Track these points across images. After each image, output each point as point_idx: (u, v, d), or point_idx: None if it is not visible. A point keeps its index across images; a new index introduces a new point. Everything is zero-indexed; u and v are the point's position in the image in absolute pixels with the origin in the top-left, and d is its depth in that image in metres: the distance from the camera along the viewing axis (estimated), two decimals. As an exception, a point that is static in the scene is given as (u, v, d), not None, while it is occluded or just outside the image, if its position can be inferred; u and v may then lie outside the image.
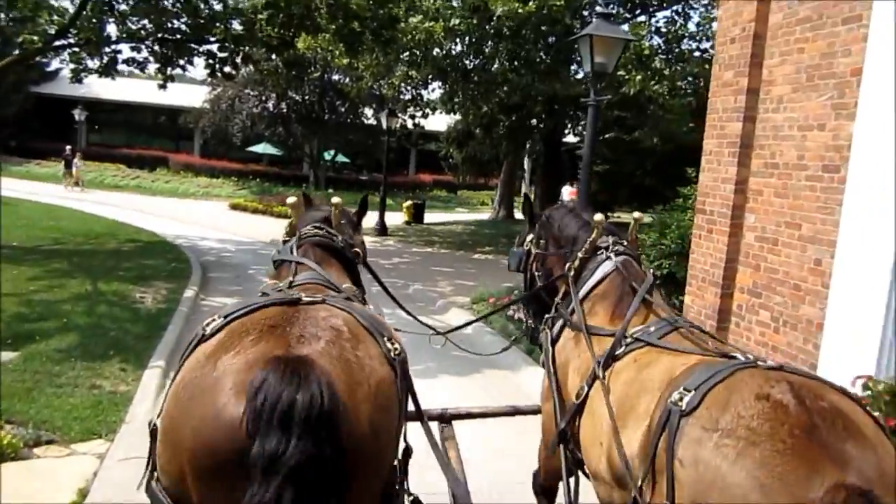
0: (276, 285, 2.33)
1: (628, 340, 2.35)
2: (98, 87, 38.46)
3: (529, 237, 3.35)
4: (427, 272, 13.40)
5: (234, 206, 25.15)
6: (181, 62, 13.60)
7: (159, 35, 12.57)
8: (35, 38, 12.08)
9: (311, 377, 1.63)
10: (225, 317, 1.94)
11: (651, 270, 2.82)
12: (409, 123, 20.22)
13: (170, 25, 11.75)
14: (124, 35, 11.70)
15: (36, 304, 7.78)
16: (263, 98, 31.40)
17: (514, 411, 3.65)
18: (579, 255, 2.90)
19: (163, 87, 14.12)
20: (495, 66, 18.18)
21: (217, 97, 31.66)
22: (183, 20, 11.63)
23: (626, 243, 2.91)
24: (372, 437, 1.76)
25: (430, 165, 40.65)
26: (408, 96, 19.99)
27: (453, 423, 3.32)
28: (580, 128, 20.14)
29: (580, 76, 17.10)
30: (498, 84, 17.10)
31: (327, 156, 35.73)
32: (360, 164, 40.87)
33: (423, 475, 2.61)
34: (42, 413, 4.92)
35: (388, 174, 21.44)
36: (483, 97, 18.07)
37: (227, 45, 12.10)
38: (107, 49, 12.02)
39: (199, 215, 22.42)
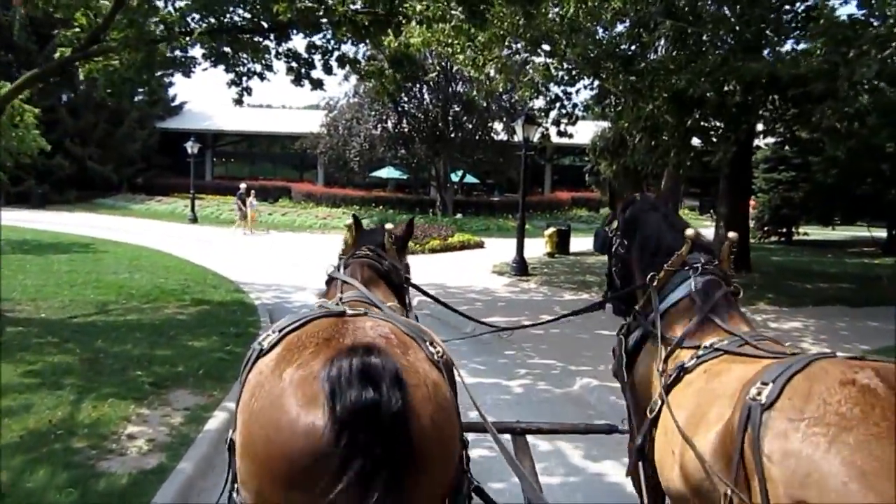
0: (324, 303, 2.51)
1: (700, 352, 2.29)
2: (221, 120, 37.69)
3: (615, 224, 3.23)
4: (591, 345, 8.89)
5: (349, 241, 22.10)
6: (255, 67, 10.51)
7: (219, 26, 9.43)
8: (66, 47, 9.35)
9: (383, 375, 1.71)
10: (279, 331, 2.04)
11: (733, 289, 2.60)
12: (553, 133, 15.96)
13: (219, 13, 8.46)
14: (165, 32, 8.53)
15: (-65, 469, 4.43)
16: (383, 117, 28.46)
17: (587, 429, 3.75)
18: (665, 267, 2.74)
19: (238, 101, 11.22)
20: (651, 56, 14.03)
21: (333, 119, 29.15)
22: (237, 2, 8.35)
23: (716, 263, 2.71)
24: (437, 436, 1.82)
25: (567, 182, 36.57)
26: (540, 103, 15.97)
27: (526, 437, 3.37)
28: (783, 122, 15.06)
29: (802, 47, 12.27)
30: (670, 72, 12.68)
31: (455, 177, 32.27)
32: (490, 184, 37.33)
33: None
34: None
35: (523, 194, 17.29)
36: (646, 93, 13.74)
37: (298, 33, 8.77)
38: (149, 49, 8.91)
39: (307, 254, 19.47)
